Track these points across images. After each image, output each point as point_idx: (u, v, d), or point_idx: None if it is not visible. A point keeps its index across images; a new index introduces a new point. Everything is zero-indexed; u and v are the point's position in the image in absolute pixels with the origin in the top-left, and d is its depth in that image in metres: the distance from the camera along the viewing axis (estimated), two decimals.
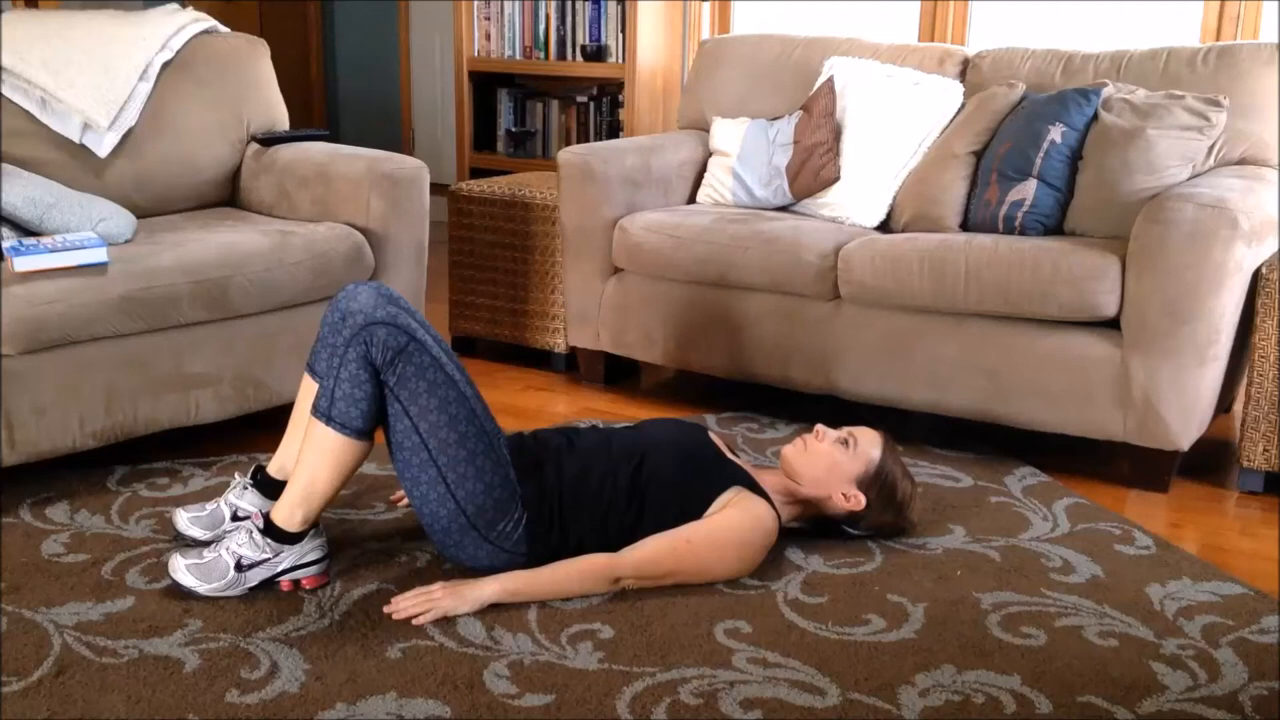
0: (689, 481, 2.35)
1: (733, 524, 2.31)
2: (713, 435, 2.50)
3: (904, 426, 3.15)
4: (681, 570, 2.27)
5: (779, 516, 2.39)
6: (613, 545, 2.32)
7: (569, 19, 5.03)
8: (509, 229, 3.75)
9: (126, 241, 2.93)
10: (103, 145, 3.22)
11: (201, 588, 2.21)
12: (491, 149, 5.41)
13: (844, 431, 2.48)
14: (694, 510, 2.33)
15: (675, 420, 2.54)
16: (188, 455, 2.95)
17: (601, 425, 2.51)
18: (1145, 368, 2.77)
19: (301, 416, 2.42)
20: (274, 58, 3.66)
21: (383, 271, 3.15)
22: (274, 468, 2.49)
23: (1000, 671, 2.03)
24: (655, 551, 2.27)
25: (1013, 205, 3.09)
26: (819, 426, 2.49)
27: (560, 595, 2.23)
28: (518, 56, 5.18)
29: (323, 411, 2.18)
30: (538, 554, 2.29)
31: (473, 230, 3.83)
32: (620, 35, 4.90)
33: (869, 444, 2.46)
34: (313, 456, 2.20)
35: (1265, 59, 3.12)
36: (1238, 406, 3.33)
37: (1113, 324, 2.84)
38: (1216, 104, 3.02)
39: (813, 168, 3.44)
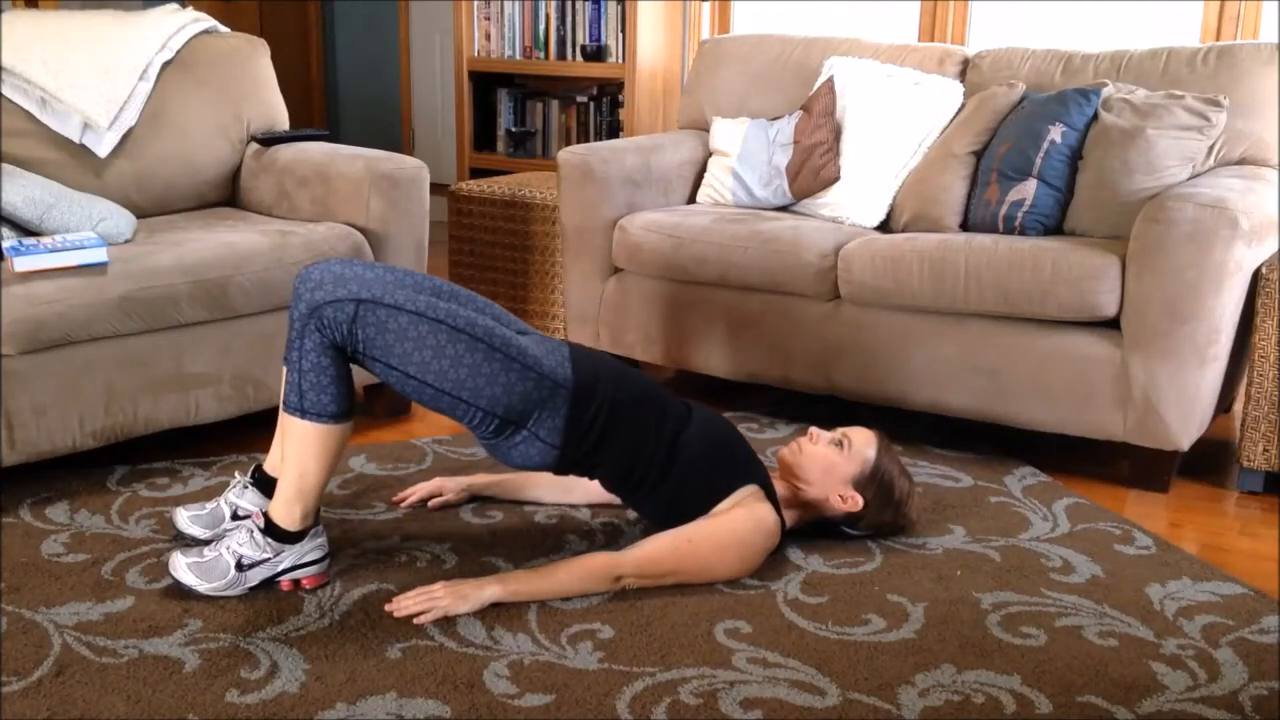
0: (720, 463, 2.37)
1: (735, 525, 2.32)
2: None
3: (904, 426, 3.15)
4: (682, 570, 2.28)
5: (782, 521, 2.39)
6: (628, 486, 2.35)
7: (569, 19, 5.03)
8: (509, 229, 3.75)
9: (126, 241, 2.93)
10: (102, 145, 3.22)
11: (202, 586, 2.21)
12: (491, 149, 5.41)
13: (838, 433, 2.48)
14: (714, 490, 2.35)
15: (714, 411, 2.54)
16: (188, 455, 2.95)
17: None
18: (1145, 368, 2.77)
19: None
20: (274, 58, 3.66)
21: None
22: (270, 465, 2.49)
23: (1000, 671, 2.03)
24: (657, 550, 2.27)
25: (1013, 205, 3.09)
26: (812, 429, 2.49)
27: (561, 595, 2.23)
28: (518, 56, 5.18)
29: (294, 406, 2.18)
30: (570, 451, 2.28)
31: (473, 230, 3.83)
32: (620, 35, 4.90)
33: (864, 444, 2.46)
34: (298, 451, 2.20)
35: (1265, 59, 3.12)
36: (1238, 406, 3.34)
37: (1113, 324, 2.84)
38: (1216, 104, 3.02)
39: (813, 168, 3.44)
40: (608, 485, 2.41)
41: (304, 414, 2.17)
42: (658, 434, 2.34)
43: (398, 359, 2.17)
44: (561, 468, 2.33)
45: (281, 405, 2.28)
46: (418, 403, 2.25)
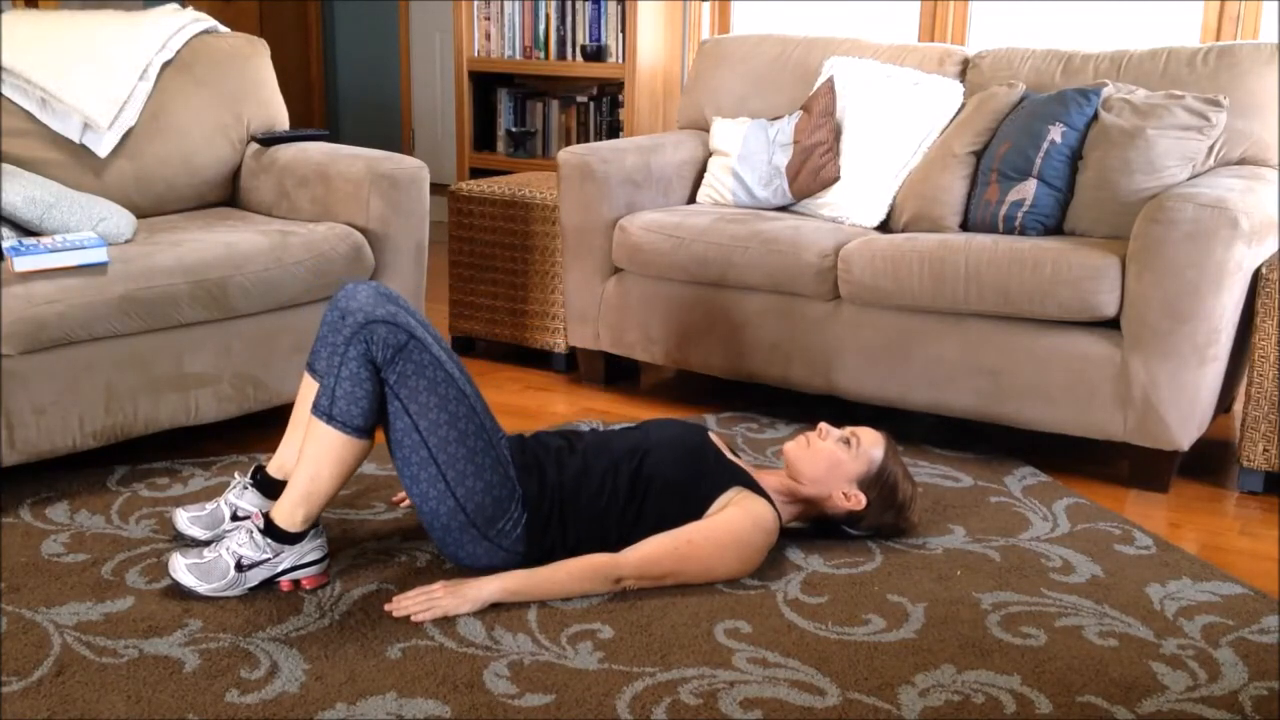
0: (690, 481, 2.35)
1: (733, 524, 2.31)
2: (713, 436, 2.50)
3: (904, 426, 3.15)
4: (682, 570, 2.27)
5: (779, 516, 2.39)
6: (611, 544, 2.33)
7: (569, 19, 5.03)
8: (509, 229, 3.75)
9: (126, 241, 2.93)
10: (103, 145, 3.22)
11: (201, 587, 2.21)
12: (491, 149, 5.41)
13: (847, 431, 2.48)
14: (694, 510, 2.33)
15: (677, 420, 2.54)
16: (188, 455, 2.95)
17: (601, 427, 2.51)
18: (1145, 368, 2.77)
19: (302, 416, 2.42)
20: (274, 58, 3.66)
21: (383, 271, 3.16)
22: (274, 467, 2.49)
23: (1000, 671, 2.03)
24: (656, 551, 2.27)
25: (1013, 205, 3.09)
26: (822, 425, 2.49)
27: (561, 595, 2.23)
28: (518, 56, 5.18)
29: (324, 410, 2.18)
30: (534, 553, 2.29)
31: (473, 230, 3.83)
32: (620, 35, 4.90)
33: (871, 444, 2.46)
34: (314, 455, 2.20)
35: (1265, 59, 3.12)
36: (1238, 406, 3.34)
37: (1113, 324, 2.84)
38: (1216, 104, 3.02)
39: (813, 168, 3.44)
40: (587, 549, 2.37)
41: (331, 419, 2.18)
42: (615, 487, 2.33)
43: (418, 406, 2.18)
44: (530, 563, 2.31)
45: (301, 406, 2.28)
46: (400, 466, 2.23)
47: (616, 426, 2.53)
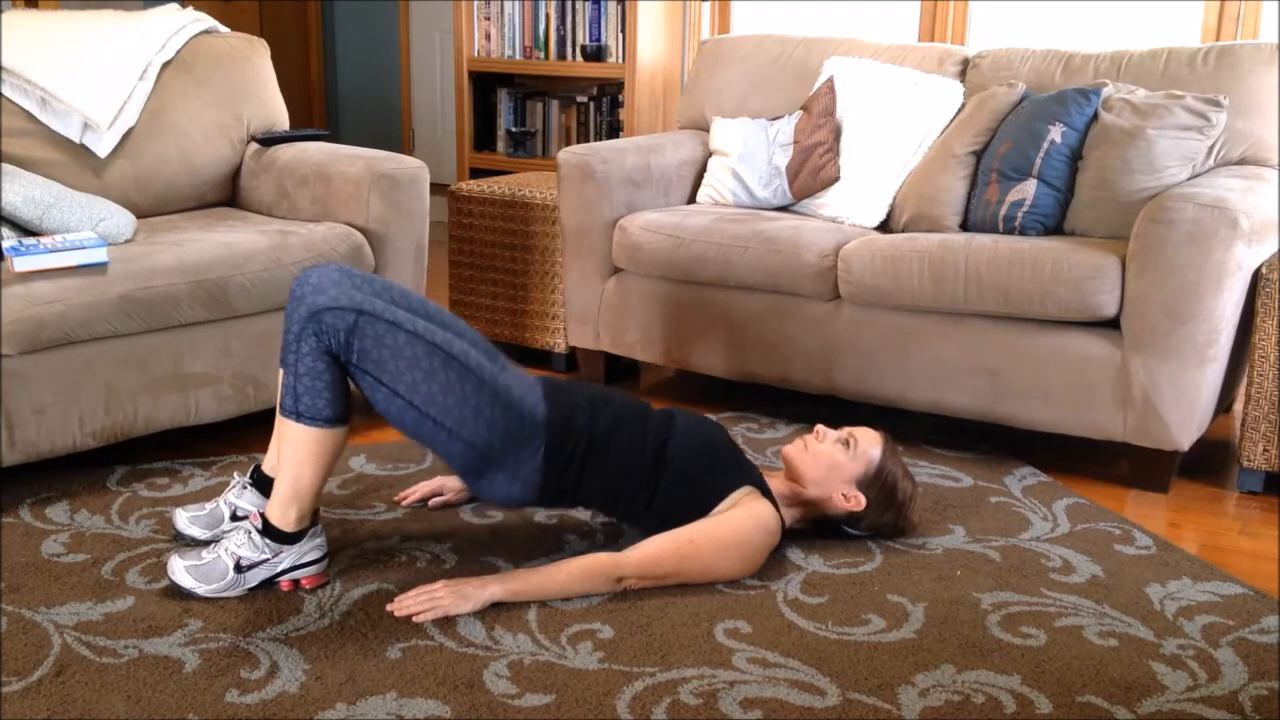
0: (708, 471, 2.37)
1: (737, 525, 2.32)
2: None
3: (904, 426, 3.15)
4: (684, 570, 2.28)
5: (783, 520, 2.39)
6: (618, 510, 2.36)
7: (569, 19, 5.03)
8: (509, 229, 3.75)
9: (126, 241, 2.93)
10: (102, 145, 3.22)
11: (201, 589, 2.21)
12: (491, 149, 5.41)
13: (844, 432, 2.48)
14: (704, 503, 2.35)
15: (698, 415, 2.54)
16: (188, 455, 2.95)
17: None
18: (1145, 368, 2.77)
19: None
20: (274, 58, 3.66)
21: (382, 271, 3.16)
22: (267, 466, 2.49)
23: (1000, 671, 2.03)
24: (659, 550, 2.27)
25: (1012, 205, 3.09)
26: (819, 427, 2.49)
27: (562, 595, 2.23)
28: (518, 56, 5.18)
29: (290, 409, 2.18)
30: (550, 489, 2.30)
31: (473, 230, 3.83)
32: (620, 35, 4.90)
33: (869, 444, 2.46)
34: (292, 454, 2.20)
35: (1265, 59, 3.12)
36: (1238, 406, 3.34)
37: (1113, 324, 2.84)
38: (1216, 104, 3.02)
39: (813, 168, 3.44)
40: (597, 510, 2.41)
41: (298, 417, 2.17)
42: (640, 454, 2.35)
43: (389, 376, 2.16)
44: (543, 503, 2.35)
45: (278, 407, 2.28)
46: (398, 427, 2.22)
47: None
